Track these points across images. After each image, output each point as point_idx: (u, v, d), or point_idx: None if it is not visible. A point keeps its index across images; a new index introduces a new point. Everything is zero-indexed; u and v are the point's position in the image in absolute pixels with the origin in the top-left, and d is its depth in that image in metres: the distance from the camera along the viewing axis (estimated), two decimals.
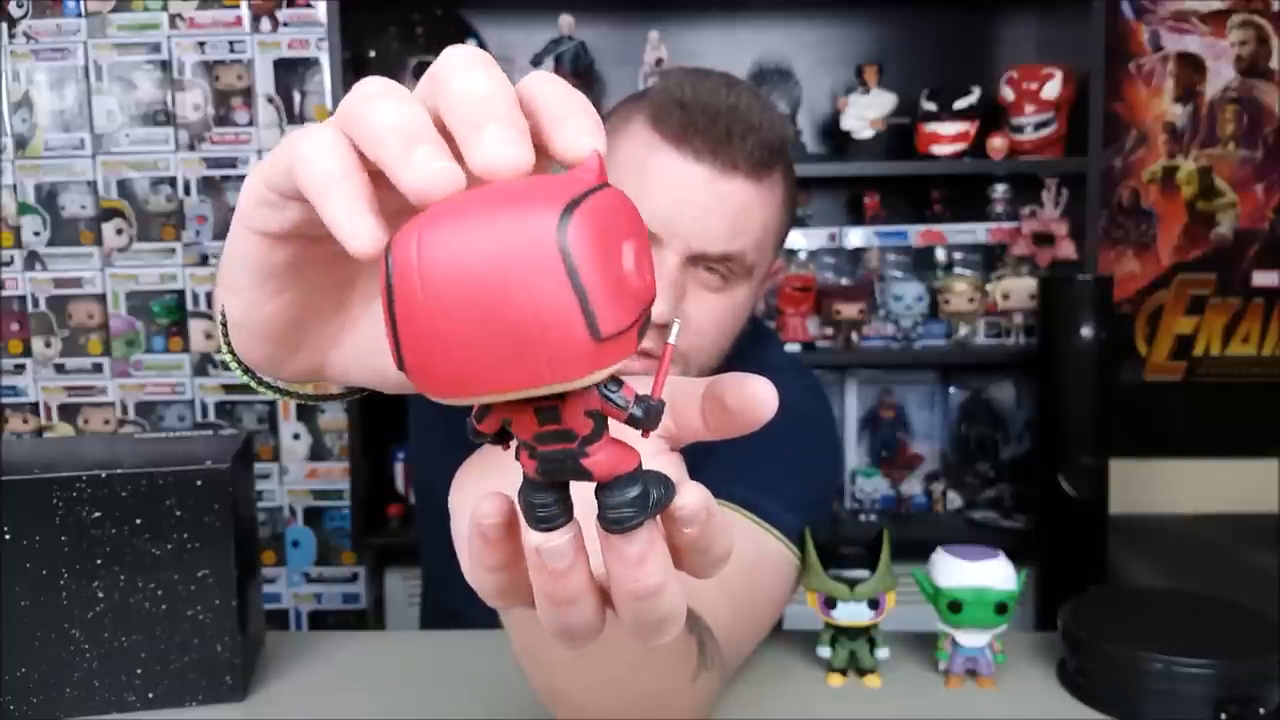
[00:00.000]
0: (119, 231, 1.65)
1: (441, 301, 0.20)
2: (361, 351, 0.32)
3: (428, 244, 0.20)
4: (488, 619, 0.59)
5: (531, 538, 0.24)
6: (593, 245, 0.20)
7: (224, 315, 0.33)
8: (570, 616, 0.26)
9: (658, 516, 0.25)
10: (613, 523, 0.24)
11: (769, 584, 0.66)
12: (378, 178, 0.23)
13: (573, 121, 0.23)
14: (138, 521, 0.64)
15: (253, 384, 0.35)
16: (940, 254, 1.62)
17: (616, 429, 0.23)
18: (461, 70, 0.23)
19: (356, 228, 0.22)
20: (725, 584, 0.58)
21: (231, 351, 0.34)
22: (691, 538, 0.26)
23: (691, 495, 0.25)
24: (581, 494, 0.24)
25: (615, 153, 0.65)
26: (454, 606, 0.86)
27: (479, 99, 0.23)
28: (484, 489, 0.31)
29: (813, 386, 0.80)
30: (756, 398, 0.28)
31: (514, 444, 0.24)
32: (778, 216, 0.68)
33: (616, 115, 0.68)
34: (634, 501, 0.23)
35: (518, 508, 0.25)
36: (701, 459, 0.65)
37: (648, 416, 0.23)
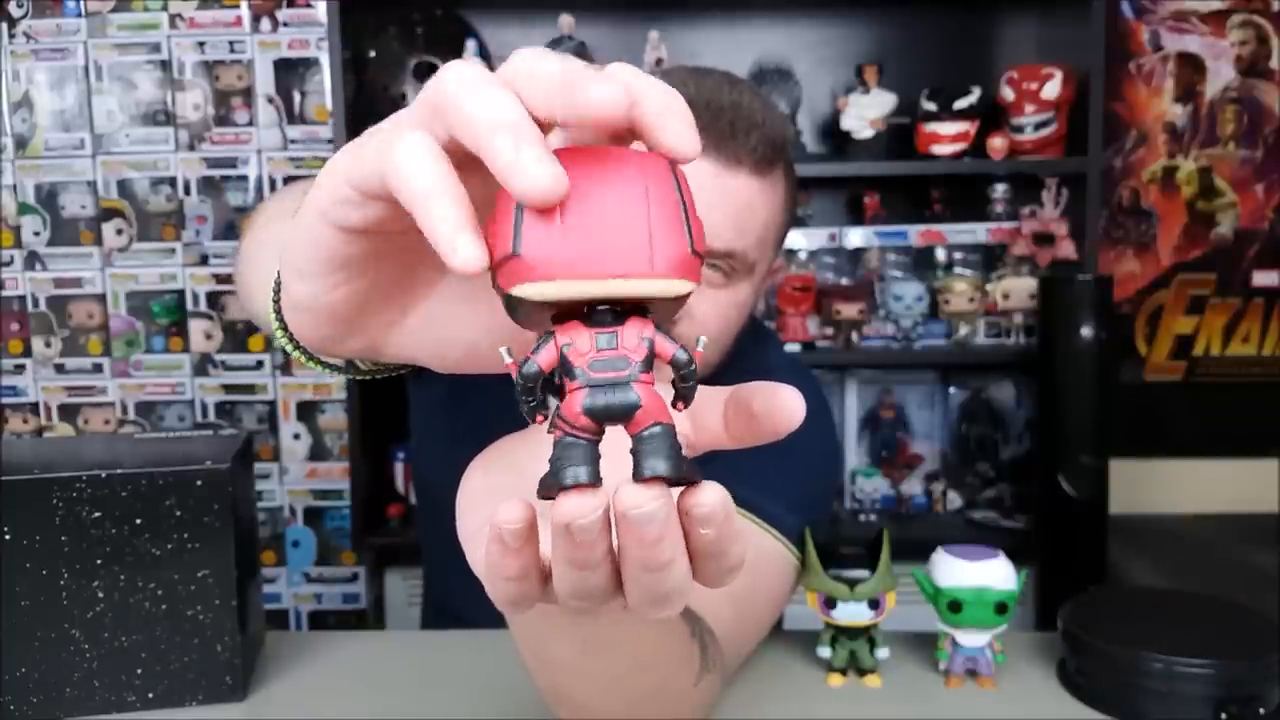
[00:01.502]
0: (119, 231, 1.65)
1: (574, 193, 0.23)
2: (423, 331, 0.32)
3: (566, 152, 0.24)
4: (489, 620, 0.59)
5: (562, 514, 0.24)
6: (686, 185, 0.25)
7: (277, 293, 0.34)
8: (589, 581, 0.26)
9: (675, 508, 0.26)
10: (647, 472, 0.24)
11: (769, 585, 0.67)
12: (462, 164, 0.24)
13: (676, 121, 0.25)
14: (138, 521, 0.64)
15: (305, 360, 0.36)
16: (940, 254, 1.62)
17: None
18: (536, 59, 0.24)
19: (459, 245, 0.23)
20: (730, 593, 0.59)
21: (284, 329, 0.35)
22: (708, 540, 0.26)
23: (712, 493, 0.26)
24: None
25: None
26: (455, 607, 0.86)
27: (561, 79, 0.23)
28: (492, 486, 0.31)
29: (812, 387, 0.80)
30: (786, 407, 0.28)
31: (551, 412, 0.25)
32: (779, 214, 0.69)
33: None
34: (671, 454, 0.24)
35: (542, 489, 0.25)
36: (702, 459, 0.66)
37: (690, 363, 0.25)
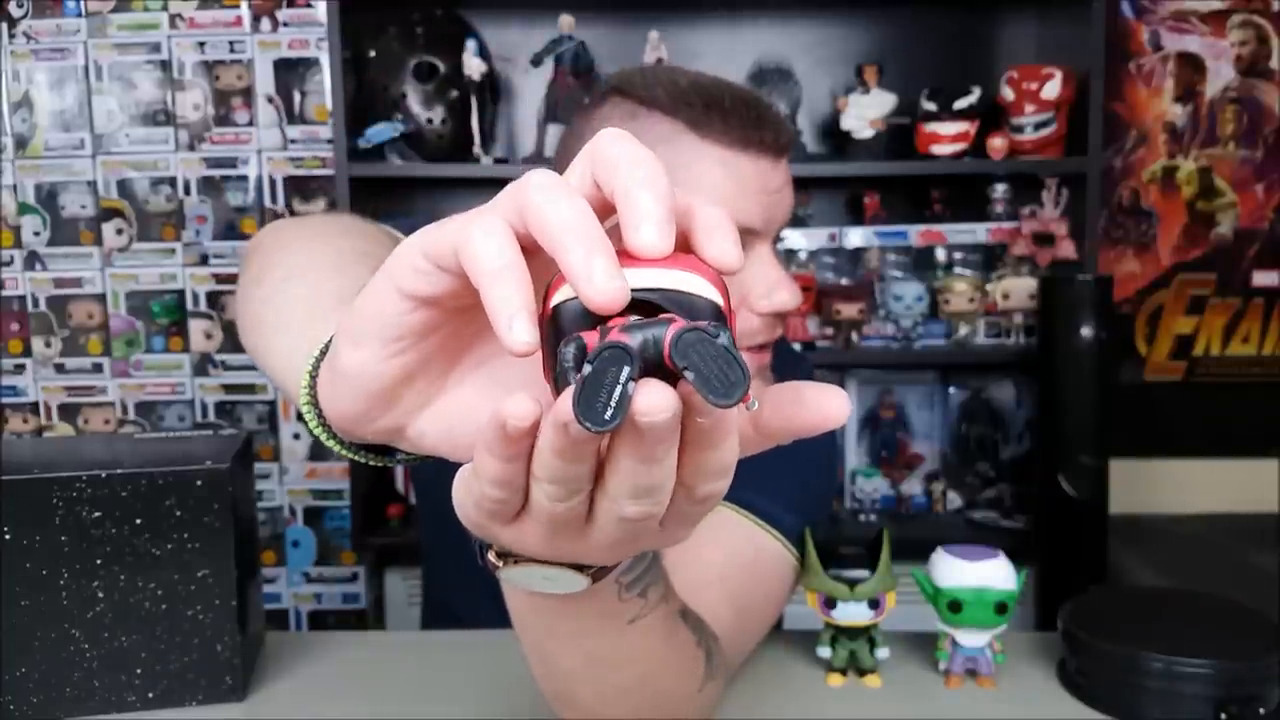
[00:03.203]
0: (119, 231, 1.65)
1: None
2: (451, 416, 0.33)
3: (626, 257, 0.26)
4: (490, 619, 0.60)
5: (561, 413, 0.25)
6: (727, 293, 0.27)
7: (313, 371, 0.36)
8: (567, 504, 0.28)
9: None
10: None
11: (769, 585, 0.67)
12: (529, 249, 0.26)
13: (720, 234, 0.27)
14: (138, 521, 0.64)
15: (325, 438, 0.37)
16: (940, 254, 1.62)
17: None
18: (632, 167, 0.27)
19: (516, 328, 0.25)
20: (726, 585, 0.62)
21: (312, 402, 0.36)
22: (704, 429, 0.27)
23: None
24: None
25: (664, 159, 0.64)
26: (456, 606, 0.86)
27: (648, 200, 0.26)
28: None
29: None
30: (831, 403, 0.28)
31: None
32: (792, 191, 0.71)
33: (611, 108, 0.66)
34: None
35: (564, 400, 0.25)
36: None
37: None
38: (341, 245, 0.54)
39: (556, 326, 0.26)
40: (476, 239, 0.26)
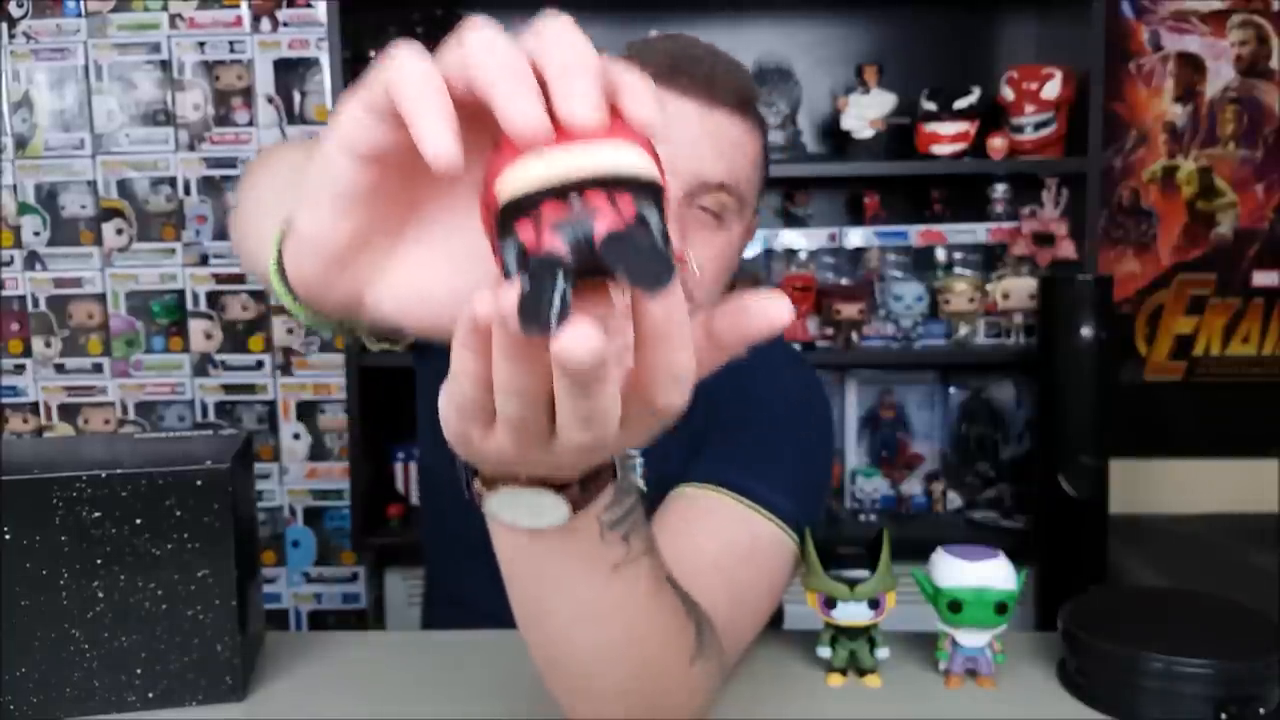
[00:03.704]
0: (119, 231, 1.65)
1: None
2: (401, 284, 0.35)
3: None
4: (490, 603, 0.60)
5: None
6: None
7: (280, 243, 0.37)
8: (522, 415, 0.31)
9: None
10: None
11: (766, 571, 0.66)
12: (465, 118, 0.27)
13: (642, 96, 0.28)
14: (138, 521, 0.64)
15: (298, 310, 0.39)
16: (940, 254, 1.62)
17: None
18: (562, 33, 0.28)
19: (440, 141, 0.26)
20: (722, 572, 0.61)
21: (282, 277, 0.38)
22: (656, 327, 0.28)
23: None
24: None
25: None
26: (459, 594, 0.85)
27: (575, 62, 0.27)
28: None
29: (808, 379, 0.81)
30: (773, 306, 0.29)
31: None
32: (759, 159, 0.72)
33: None
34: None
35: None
36: (698, 445, 0.66)
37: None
38: (311, 145, 0.55)
39: (497, 210, 0.27)
40: (402, 66, 0.28)
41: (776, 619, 0.92)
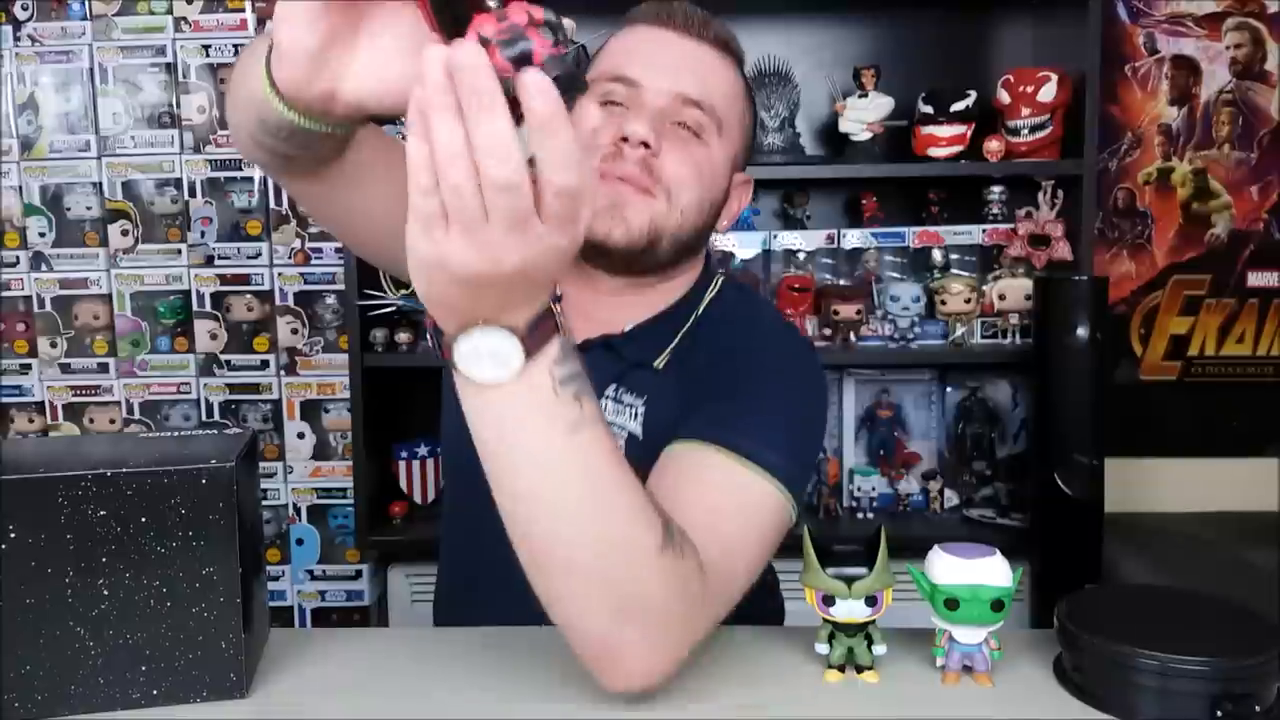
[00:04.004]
0: (124, 233, 1.66)
1: None
2: (366, 73, 0.50)
3: None
4: (503, 585, 0.63)
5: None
6: None
7: (269, 58, 0.51)
8: (464, 202, 0.43)
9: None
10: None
11: (756, 523, 0.67)
12: None
13: None
14: (143, 520, 0.64)
15: (287, 111, 0.52)
16: (937, 255, 1.63)
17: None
18: None
19: None
20: (713, 524, 0.63)
21: (274, 86, 0.51)
22: (552, 113, 0.42)
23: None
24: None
25: (599, 61, 0.81)
26: (472, 587, 0.86)
27: None
28: None
29: (799, 345, 0.83)
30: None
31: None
32: (738, 95, 0.80)
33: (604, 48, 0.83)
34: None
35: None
36: (685, 410, 0.71)
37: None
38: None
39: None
40: None
41: (778, 617, 0.93)
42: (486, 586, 0.78)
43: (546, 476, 0.53)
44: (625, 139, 0.73)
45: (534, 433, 0.51)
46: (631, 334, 0.78)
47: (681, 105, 0.75)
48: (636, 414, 0.75)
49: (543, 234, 0.44)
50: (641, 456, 0.67)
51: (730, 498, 0.66)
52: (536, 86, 0.41)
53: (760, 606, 0.86)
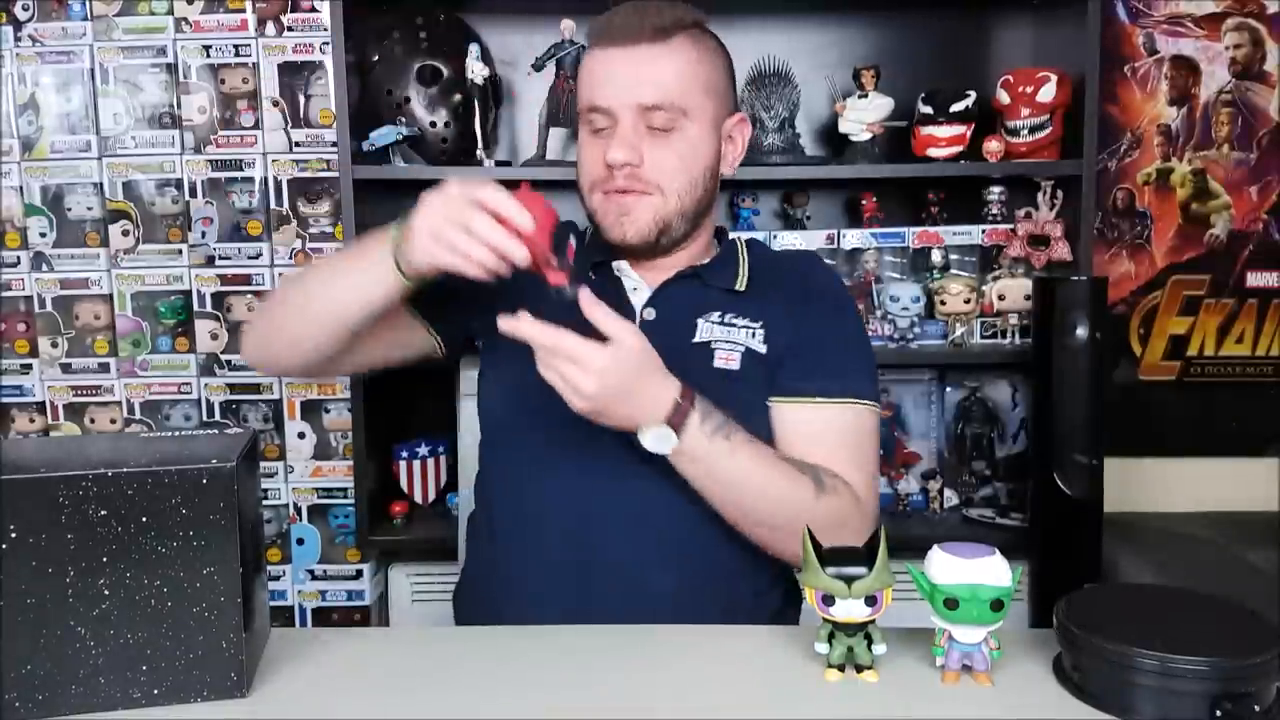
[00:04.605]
0: (125, 233, 1.66)
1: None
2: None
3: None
4: (535, 583, 0.88)
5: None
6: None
7: (396, 237, 0.83)
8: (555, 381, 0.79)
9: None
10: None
11: (871, 441, 0.95)
12: None
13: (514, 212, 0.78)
14: (144, 519, 0.65)
15: (409, 282, 0.85)
16: (936, 255, 1.63)
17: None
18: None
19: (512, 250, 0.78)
20: (851, 457, 0.92)
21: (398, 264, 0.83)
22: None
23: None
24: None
25: (579, 80, 0.95)
26: (504, 579, 0.92)
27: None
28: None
29: (837, 279, 1.08)
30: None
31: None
32: (694, 67, 0.91)
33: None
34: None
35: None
36: (784, 358, 0.94)
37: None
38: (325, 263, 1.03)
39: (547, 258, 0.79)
40: (494, 198, 0.76)
41: (794, 616, 0.96)
42: (520, 575, 0.90)
43: (730, 483, 0.85)
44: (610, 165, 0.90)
45: (716, 462, 0.83)
46: (706, 266, 0.98)
47: (647, 112, 0.89)
48: (755, 334, 0.94)
49: (588, 400, 0.78)
50: (765, 368, 0.92)
51: (853, 432, 0.92)
52: (599, 313, 0.78)
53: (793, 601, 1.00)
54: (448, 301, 0.95)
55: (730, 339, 0.93)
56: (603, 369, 0.75)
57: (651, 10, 0.89)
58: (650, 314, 0.95)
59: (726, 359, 0.92)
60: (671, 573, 0.87)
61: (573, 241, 0.80)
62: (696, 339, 0.93)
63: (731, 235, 1.06)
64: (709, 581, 0.88)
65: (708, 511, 0.86)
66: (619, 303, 0.94)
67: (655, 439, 0.80)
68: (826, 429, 0.91)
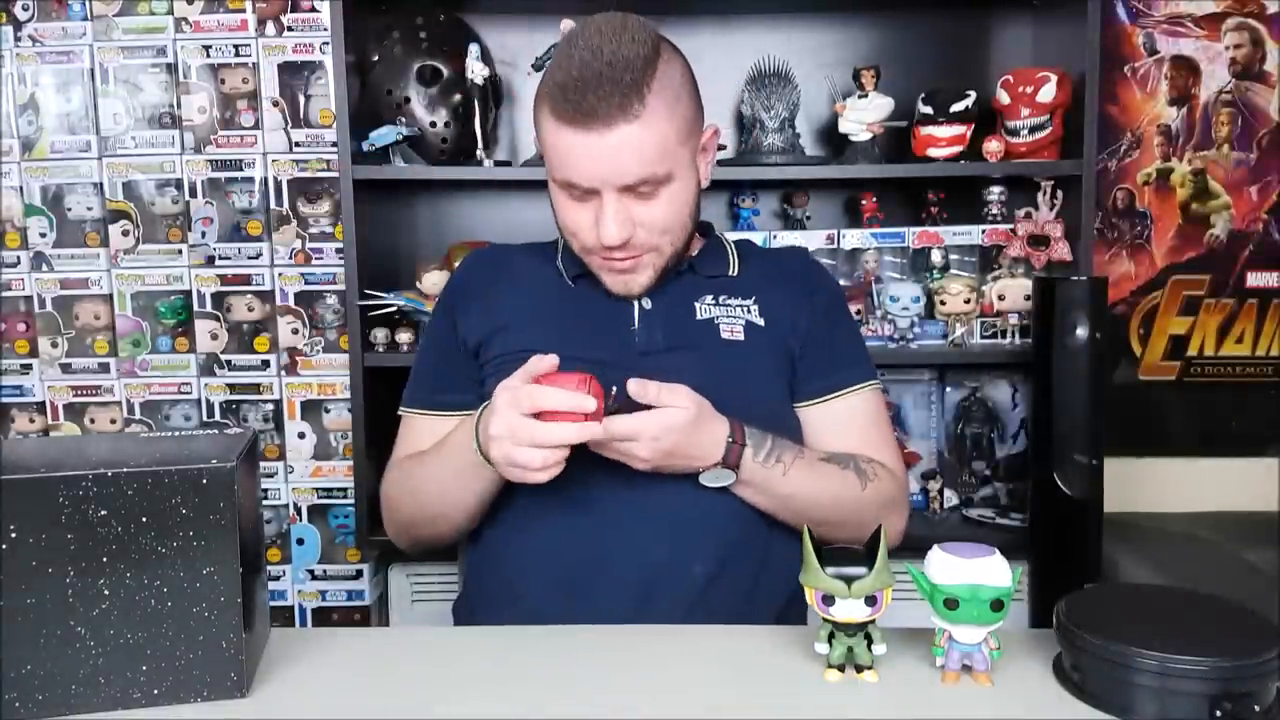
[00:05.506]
0: (125, 233, 1.66)
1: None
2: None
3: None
4: (533, 582, 0.89)
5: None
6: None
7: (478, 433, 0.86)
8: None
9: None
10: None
11: (885, 417, 1.03)
12: None
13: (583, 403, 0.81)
14: (144, 519, 0.65)
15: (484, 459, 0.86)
16: (936, 255, 1.63)
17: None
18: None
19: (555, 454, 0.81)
20: (880, 437, 1.00)
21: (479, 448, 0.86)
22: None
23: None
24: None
25: (540, 132, 0.90)
26: (506, 580, 0.92)
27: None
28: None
29: (828, 274, 1.11)
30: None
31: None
32: (669, 123, 0.87)
33: (537, 97, 0.90)
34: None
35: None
36: (798, 355, 0.99)
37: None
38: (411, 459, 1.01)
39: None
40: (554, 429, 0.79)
41: (800, 617, 0.96)
42: (520, 575, 0.91)
43: (787, 497, 0.90)
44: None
45: (766, 487, 0.89)
46: (696, 257, 1.01)
47: (630, 187, 0.87)
48: (750, 309, 0.98)
49: (648, 461, 0.84)
50: (764, 339, 0.97)
51: (873, 416, 1.00)
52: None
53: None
54: (458, 373, 1.03)
55: (730, 315, 0.97)
56: (655, 436, 0.81)
57: (619, 67, 0.83)
58: (648, 304, 0.96)
59: (732, 331, 0.96)
60: (708, 564, 0.88)
61: (615, 389, 0.82)
62: (699, 318, 0.97)
63: (715, 234, 1.09)
64: (732, 568, 0.90)
65: (717, 504, 0.88)
66: (616, 298, 0.95)
67: (714, 478, 0.86)
68: (852, 417, 0.98)
